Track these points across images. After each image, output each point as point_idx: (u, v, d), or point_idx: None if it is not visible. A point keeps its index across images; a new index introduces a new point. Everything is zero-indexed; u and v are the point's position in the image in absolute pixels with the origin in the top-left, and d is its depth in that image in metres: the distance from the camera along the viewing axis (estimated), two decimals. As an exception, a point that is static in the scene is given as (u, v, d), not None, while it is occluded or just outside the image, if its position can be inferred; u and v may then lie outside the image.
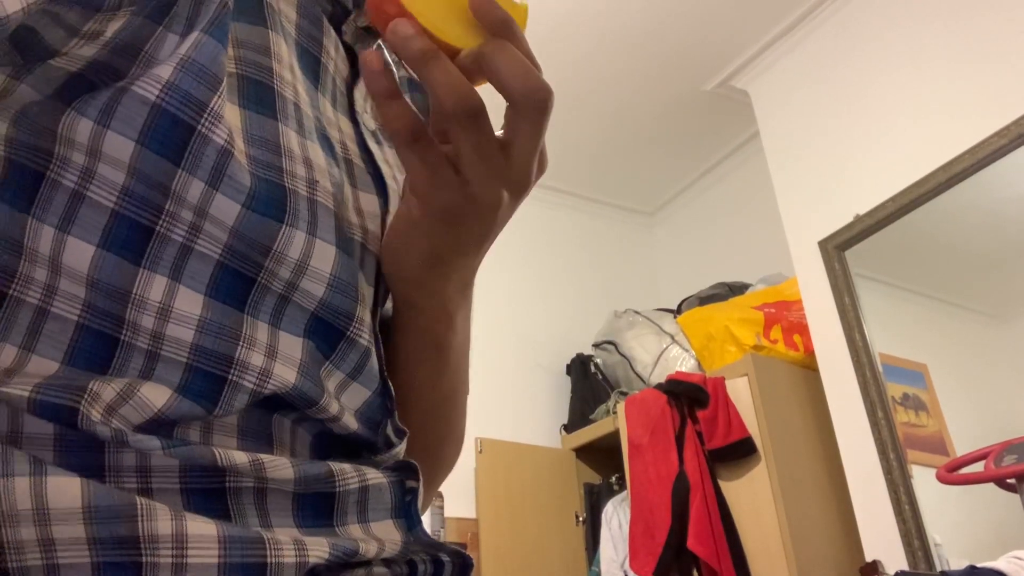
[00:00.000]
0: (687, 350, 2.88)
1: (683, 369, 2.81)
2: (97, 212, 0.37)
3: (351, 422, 0.45)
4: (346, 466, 0.43)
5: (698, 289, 3.14)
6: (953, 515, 2.19)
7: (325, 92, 0.47)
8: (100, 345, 0.38)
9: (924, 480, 2.16)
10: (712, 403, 2.46)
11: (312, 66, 0.47)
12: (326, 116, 0.47)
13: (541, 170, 0.45)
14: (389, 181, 0.50)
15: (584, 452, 3.06)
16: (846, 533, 2.34)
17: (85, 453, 0.36)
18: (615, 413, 2.82)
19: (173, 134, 0.38)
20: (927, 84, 2.41)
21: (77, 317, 0.37)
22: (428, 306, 0.49)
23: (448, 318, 0.50)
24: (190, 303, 0.39)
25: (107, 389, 0.36)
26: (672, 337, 2.96)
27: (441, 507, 2.68)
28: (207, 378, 0.39)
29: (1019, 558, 1.58)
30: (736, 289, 3.01)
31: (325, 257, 0.43)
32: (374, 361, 0.47)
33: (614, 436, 2.78)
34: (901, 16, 2.54)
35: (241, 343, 0.40)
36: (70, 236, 0.37)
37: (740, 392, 2.48)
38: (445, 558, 0.47)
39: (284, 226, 0.41)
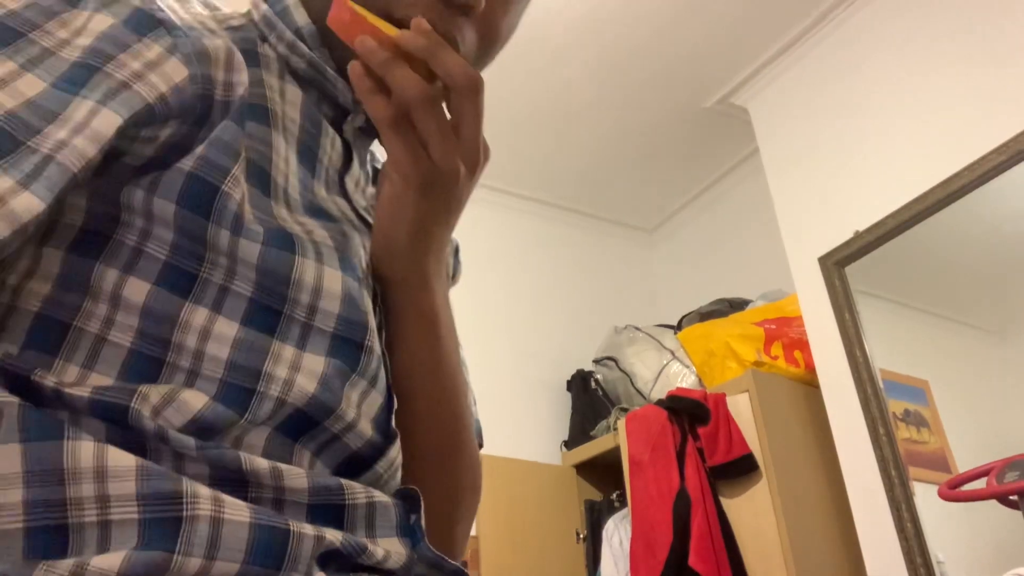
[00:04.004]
0: (688, 366, 2.88)
1: (684, 385, 2.80)
2: (152, 263, 0.46)
3: (367, 428, 0.52)
4: (356, 484, 0.49)
5: (698, 305, 3.14)
6: (955, 532, 2.18)
7: (319, 179, 0.57)
8: (149, 365, 0.45)
9: (926, 497, 2.15)
10: (713, 419, 2.46)
11: (310, 159, 0.56)
12: (319, 196, 0.56)
13: (486, 157, 0.57)
14: None
15: (585, 469, 3.05)
16: (847, 550, 2.32)
17: (129, 452, 0.42)
18: (616, 429, 2.81)
19: (203, 194, 0.47)
20: (926, 101, 2.42)
21: (130, 344, 0.45)
22: (412, 277, 0.58)
23: (429, 286, 0.59)
24: (227, 328, 0.46)
25: (153, 392, 0.43)
26: (672, 353, 2.96)
27: (441, 524, 2.67)
28: (239, 390, 0.46)
29: (1022, 575, 1.58)
30: (736, 305, 3.01)
31: (334, 279, 0.51)
32: (383, 370, 0.54)
33: (615, 452, 2.78)
34: (900, 34, 2.55)
35: (269, 358, 0.47)
36: (131, 276, 0.45)
37: (741, 408, 2.48)
38: None
39: (297, 256, 0.49)
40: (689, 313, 3.13)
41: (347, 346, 0.51)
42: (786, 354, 2.64)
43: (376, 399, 0.53)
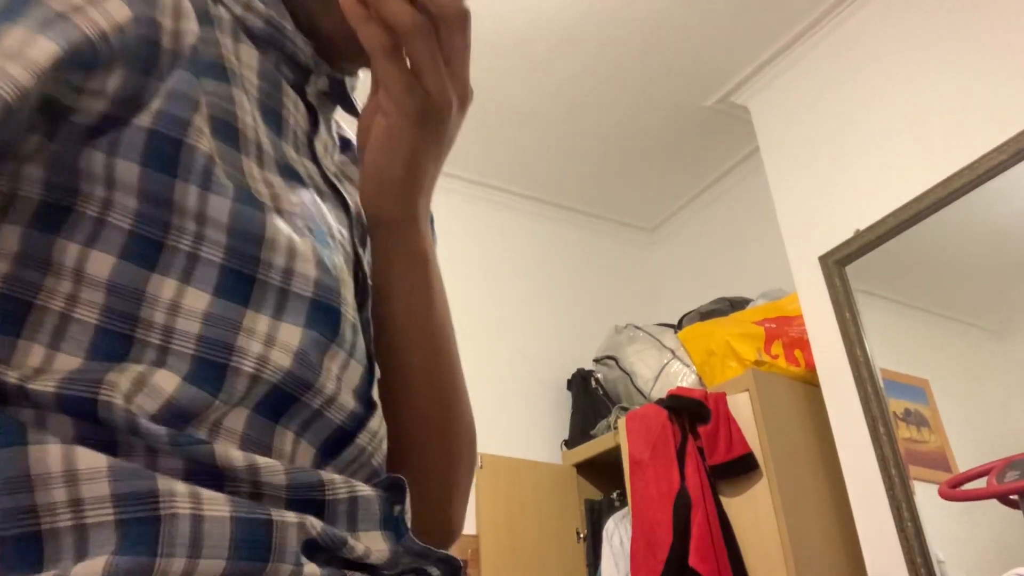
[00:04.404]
0: (688, 365, 2.88)
1: (684, 384, 2.80)
2: (116, 234, 0.43)
3: (348, 400, 0.50)
4: (336, 477, 0.47)
5: (699, 304, 3.14)
6: (955, 532, 2.18)
7: (287, 140, 0.55)
8: (116, 343, 0.43)
9: (926, 496, 2.15)
10: (713, 419, 2.46)
11: (275, 119, 0.55)
12: (290, 156, 0.54)
13: (471, 95, 0.57)
14: (351, 204, 0.58)
15: (585, 468, 3.05)
16: (848, 549, 2.33)
17: (99, 451, 0.40)
18: (616, 429, 2.81)
19: (167, 150, 0.45)
20: (926, 100, 2.42)
21: (96, 321, 0.43)
22: (403, 215, 0.58)
23: (420, 226, 0.59)
24: (197, 300, 0.44)
25: (122, 379, 0.41)
26: (673, 352, 2.96)
27: (441, 523, 2.67)
28: (211, 367, 0.44)
29: (1022, 575, 1.58)
30: (737, 304, 3.01)
31: (305, 242, 0.49)
32: (362, 339, 0.53)
33: (615, 452, 2.78)
34: (900, 33, 2.55)
35: (241, 332, 0.45)
36: (93, 250, 0.43)
37: (741, 407, 2.48)
38: (434, 572, 0.50)
39: (267, 215, 0.47)
40: (689, 312, 3.13)
41: (324, 313, 0.49)
42: (786, 353, 2.64)
43: (356, 369, 0.52)
